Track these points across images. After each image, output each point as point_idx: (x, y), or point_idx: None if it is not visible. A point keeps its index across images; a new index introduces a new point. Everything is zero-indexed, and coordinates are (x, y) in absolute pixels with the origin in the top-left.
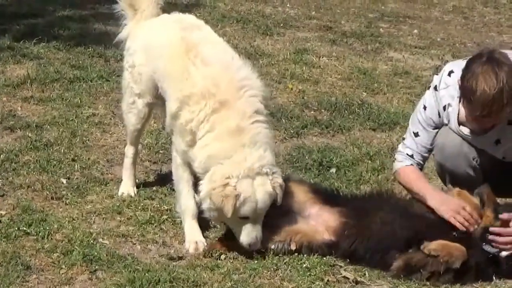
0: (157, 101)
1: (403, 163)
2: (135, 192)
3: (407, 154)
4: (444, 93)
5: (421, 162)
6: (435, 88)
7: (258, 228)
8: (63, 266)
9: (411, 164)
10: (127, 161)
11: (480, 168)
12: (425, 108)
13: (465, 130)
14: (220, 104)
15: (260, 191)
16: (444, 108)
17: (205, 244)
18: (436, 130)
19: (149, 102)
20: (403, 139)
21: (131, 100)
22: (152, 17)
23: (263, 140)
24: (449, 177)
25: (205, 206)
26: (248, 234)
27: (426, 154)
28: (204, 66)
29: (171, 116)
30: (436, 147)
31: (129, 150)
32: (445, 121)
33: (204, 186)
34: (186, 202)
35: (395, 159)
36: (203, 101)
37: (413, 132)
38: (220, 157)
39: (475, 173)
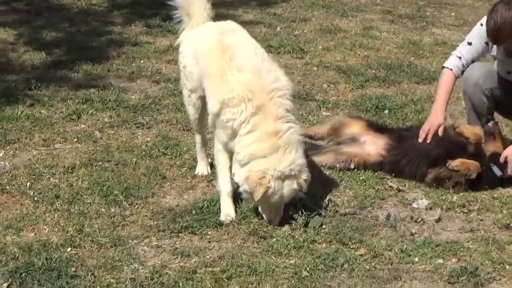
0: None
1: (448, 63)
2: (209, 171)
3: (457, 56)
4: None
5: (464, 66)
6: (481, 25)
7: (280, 211)
8: (189, 177)
9: (452, 69)
10: (197, 146)
11: (492, 97)
12: (482, 25)
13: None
14: (257, 108)
15: (287, 189)
16: None
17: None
18: (484, 46)
19: (201, 96)
20: (458, 46)
21: (187, 94)
22: (202, 23)
23: (294, 141)
24: (469, 101)
25: (241, 188)
26: (272, 215)
27: (469, 63)
28: (239, 72)
29: (213, 115)
30: (462, 78)
31: (196, 137)
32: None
33: (239, 173)
34: (223, 183)
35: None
36: (243, 104)
37: (468, 42)
38: (259, 155)
39: (487, 100)
